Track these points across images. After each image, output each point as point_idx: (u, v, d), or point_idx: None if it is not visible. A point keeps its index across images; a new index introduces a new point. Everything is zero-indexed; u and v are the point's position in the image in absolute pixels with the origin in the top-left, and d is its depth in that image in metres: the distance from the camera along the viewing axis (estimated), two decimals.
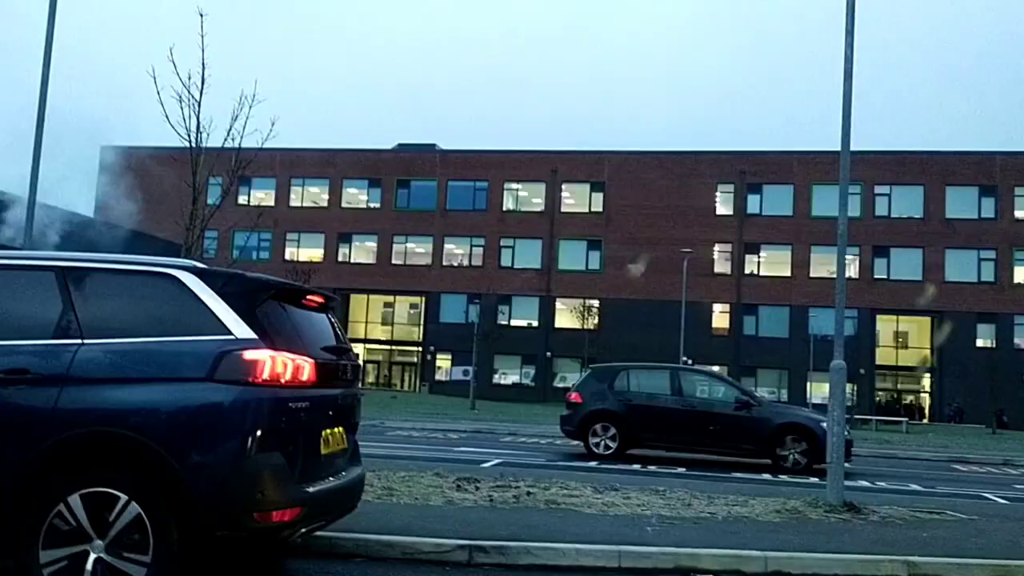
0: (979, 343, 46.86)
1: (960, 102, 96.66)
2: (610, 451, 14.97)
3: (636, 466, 13.82)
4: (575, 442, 16.03)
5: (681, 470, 13.43)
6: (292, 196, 55.83)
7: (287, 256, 52.07)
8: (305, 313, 5.13)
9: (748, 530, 7.15)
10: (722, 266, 50.29)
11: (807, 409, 19.65)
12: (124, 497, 4.23)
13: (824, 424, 11.98)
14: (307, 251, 54.34)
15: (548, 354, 51.26)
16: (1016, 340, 47.27)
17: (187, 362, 4.41)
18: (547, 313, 51.74)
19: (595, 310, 50.02)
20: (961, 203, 48.25)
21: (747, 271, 50.23)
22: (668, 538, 6.55)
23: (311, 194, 56.30)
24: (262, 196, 53.09)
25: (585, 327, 48.28)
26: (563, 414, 16.11)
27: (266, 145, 11.35)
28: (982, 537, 7.39)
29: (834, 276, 9.87)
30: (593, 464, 13.83)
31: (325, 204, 55.77)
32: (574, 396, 16.04)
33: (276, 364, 4.47)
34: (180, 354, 4.43)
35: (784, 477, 13.42)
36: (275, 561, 5.59)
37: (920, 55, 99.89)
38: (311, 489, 4.68)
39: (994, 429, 40.71)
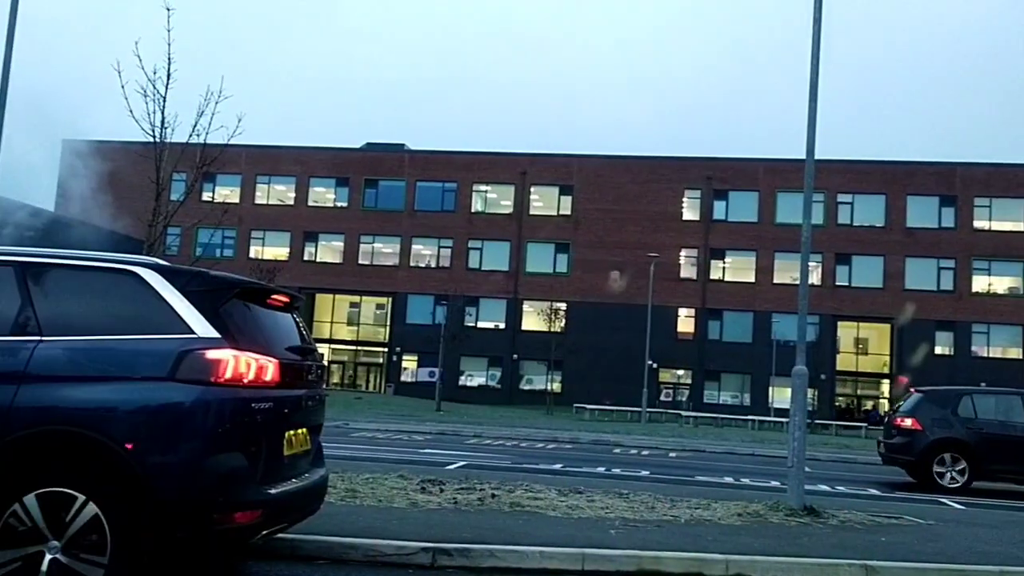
0: (937, 350, 47.68)
1: (922, 113, 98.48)
2: (958, 484, 13.56)
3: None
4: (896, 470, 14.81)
5: None
6: (258, 194, 55.27)
7: (252, 254, 51.58)
8: (270, 313, 5.07)
9: (710, 533, 7.21)
10: (688, 271, 50.70)
11: None
12: (82, 497, 4.16)
13: None
14: (272, 250, 53.86)
15: (515, 356, 51.30)
16: (974, 348, 48.18)
17: (148, 361, 4.35)
18: (514, 315, 51.76)
19: (562, 313, 50.15)
20: (922, 212, 49.11)
21: (713, 276, 50.67)
22: (631, 541, 6.59)
23: (277, 192, 55.78)
24: (227, 193, 52.50)
25: (552, 330, 48.39)
26: (890, 441, 14.59)
27: (232, 141, 11.26)
28: (939, 542, 7.52)
29: (797, 282, 9.99)
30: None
31: (291, 202, 55.28)
32: (911, 422, 14.32)
33: (239, 364, 4.42)
34: (141, 353, 4.37)
35: None
36: (236, 563, 5.53)
37: (884, 66, 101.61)
38: (273, 491, 4.63)
39: None
